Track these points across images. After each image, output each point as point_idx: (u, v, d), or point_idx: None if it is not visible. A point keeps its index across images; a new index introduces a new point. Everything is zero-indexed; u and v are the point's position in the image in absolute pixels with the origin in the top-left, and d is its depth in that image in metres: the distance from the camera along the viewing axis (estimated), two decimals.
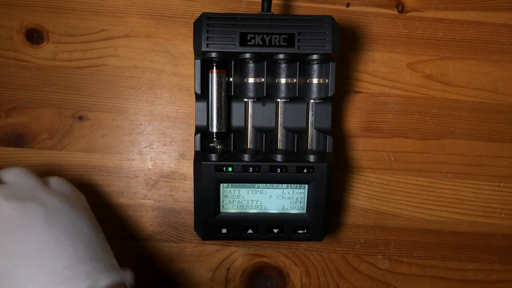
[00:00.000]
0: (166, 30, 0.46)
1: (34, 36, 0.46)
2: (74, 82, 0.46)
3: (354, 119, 0.47)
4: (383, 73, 0.47)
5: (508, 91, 0.48)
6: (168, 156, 0.47)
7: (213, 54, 0.38)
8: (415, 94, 0.47)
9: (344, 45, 0.46)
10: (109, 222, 0.47)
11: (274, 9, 0.46)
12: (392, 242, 0.49)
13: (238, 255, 0.48)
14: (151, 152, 0.47)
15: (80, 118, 0.46)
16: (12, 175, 0.37)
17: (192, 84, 0.46)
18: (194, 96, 0.45)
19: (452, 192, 0.48)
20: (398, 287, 0.49)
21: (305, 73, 0.41)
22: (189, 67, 0.46)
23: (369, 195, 0.48)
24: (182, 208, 0.47)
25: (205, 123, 0.42)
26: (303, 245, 0.48)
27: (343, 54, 0.46)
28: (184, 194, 0.47)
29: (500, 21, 0.47)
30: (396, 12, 0.47)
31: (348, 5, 0.46)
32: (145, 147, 0.47)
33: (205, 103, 0.42)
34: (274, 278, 0.48)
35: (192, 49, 0.46)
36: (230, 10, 0.46)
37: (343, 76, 0.47)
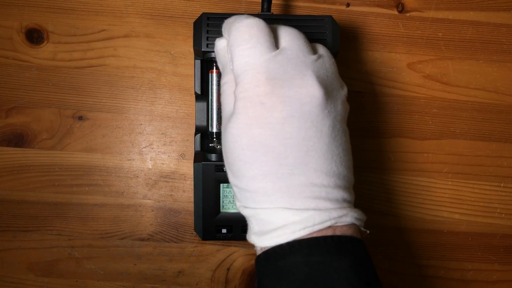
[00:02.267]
0: (166, 30, 0.46)
1: (34, 36, 0.46)
2: (74, 82, 0.46)
3: (354, 119, 0.47)
4: (383, 73, 0.47)
5: (508, 91, 0.48)
6: (168, 156, 0.47)
7: (213, 54, 0.38)
8: (415, 94, 0.47)
9: (344, 45, 0.46)
10: (109, 222, 0.47)
11: (274, 9, 0.46)
12: (392, 242, 0.49)
13: (238, 255, 0.48)
14: (151, 152, 0.47)
15: (80, 118, 0.46)
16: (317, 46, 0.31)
17: (192, 84, 0.46)
18: (194, 96, 0.45)
19: (452, 192, 0.48)
20: (398, 287, 0.49)
21: None
22: (189, 67, 0.46)
23: (369, 195, 0.48)
24: (182, 208, 0.47)
25: (205, 123, 0.42)
26: None
27: (343, 54, 0.46)
28: (184, 194, 0.47)
29: (500, 21, 0.47)
30: (396, 12, 0.47)
31: (348, 5, 0.46)
32: (145, 147, 0.47)
33: (205, 103, 0.42)
34: None
35: (192, 49, 0.46)
36: (230, 10, 0.46)
37: (343, 76, 0.46)
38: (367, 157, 0.47)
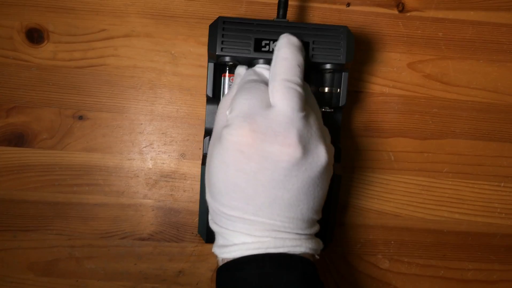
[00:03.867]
0: (166, 30, 0.46)
1: (34, 35, 0.46)
2: (74, 82, 0.46)
3: (354, 119, 0.47)
4: (383, 73, 0.47)
5: (508, 91, 0.48)
6: (169, 155, 0.47)
7: (227, 59, 0.38)
8: (415, 94, 0.47)
9: None
10: (109, 221, 0.47)
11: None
12: (392, 242, 0.49)
13: None
14: (152, 151, 0.47)
15: (80, 118, 0.46)
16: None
17: (192, 83, 0.46)
18: (194, 95, 0.45)
19: (452, 192, 0.48)
20: (398, 287, 0.49)
21: (317, 82, 0.41)
22: (190, 67, 0.46)
23: (369, 195, 0.48)
24: (183, 208, 0.47)
25: None
26: None
27: None
28: (184, 193, 0.47)
29: (500, 21, 0.47)
30: (396, 12, 0.47)
31: (348, 5, 0.47)
32: (145, 147, 0.47)
33: (216, 106, 0.41)
34: None
35: (192, 49, 0.46)
36: (230, 10, 0.46)
37: None
38: (367, 157, 0.47)
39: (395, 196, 0.48)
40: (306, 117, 0.31)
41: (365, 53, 0.47)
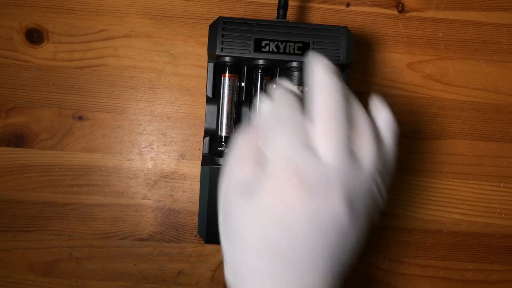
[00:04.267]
0: (166, 30, 0.46)
1: (34, 36, 0.46)
2: (74, 82, 0.46)
3: None
4: (383, 73, 0.47)
5: (508, 91, 0.48)
6: (168, 156, 0.47)
7: (227, 59, 0.38)
8: (415, 94, 0.47)
9: None
10: (109, 222, 0.47)
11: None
12: (392, 242, 0.49)
13: None
14: (151, 152, 0.47)
15: (80, 118, 0.46)
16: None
17: (192, 84, 0.46)
18: (194, 96, 0.45)
19: (452, 192, 0.48)
20: (398, 287, 0.49)
21: None
22: (189, 67, 0.46)
23: None
24: (182, 208, 0.47)
25: (214, 127, 0.42)
26: None
27: None
28: (184, 194, 0.47)
29: (500, 21, 0.47)
30: (396, 12, 0.47)
31: (348, 5, 0.46)
32: (145, 147, 0.47)
33: (215, 107, 0.41)
34: None
35: (192, 49, 0.46)
36: (229, 10, 0.46)
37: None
38: None
39: (395, 196, 0.48)
40: (355, 164, 0.27)
41: (365, 53, 0.47)
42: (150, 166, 0.47)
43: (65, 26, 0.46)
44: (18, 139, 0.46)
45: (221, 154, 0.41)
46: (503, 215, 0.49)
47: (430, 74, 0.47)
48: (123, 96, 0.46)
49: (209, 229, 0.41)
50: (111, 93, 0.46)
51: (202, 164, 0.40)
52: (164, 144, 0.47)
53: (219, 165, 0.40)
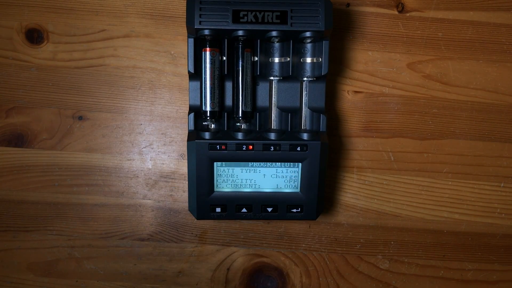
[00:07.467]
0: (166, 30, 0.46)
1: (34, 36, 0.46)
2: (74, 82, 0.46)
3: (354, 119, 0.47)
4: (383, 73, 0.47)
5: (508, 91, 0.48)
6: (168, 156, 0.47)
7: (206, 32, 0.38)
8: (415, 94, 0.47)
9: (344, 45, 0.46)
10: (109, 222, 0.47)
11: None
12: (392, 242, 0.49)
13: (238, 255, 0.48)
14: (151, 152, 0.47)
15: (80, 118, 0.46)
16: None
17: None
18: None
19: (452, 192, 0.48)
20: (398, 287, 0.49)
21: (299, 52, 0.41)
22: None
23: (369, 195, 0.48)
24: (182, 208, 0.47)
25: (198, 102, 0.42)
26: (303, 245, 0.48)
27: (342, 54, 0.46)
28: (184, 194, 0.47)
29: (500, 21, 0.47)
30: (396, 12, 0.47)
31: (348, 5, 0.46)
32: (145, 147, 0.47)
33: (198, 82, 0.41)
34: (274, 278, 0.48)
35: None
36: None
37: (343, 75, 0.47)
38: (367, 157, 0.47)
39: (395, 196, 0.48)
40: None
41: (365, 53, 0.47)
42: (150, 166, 0.47)
43: (65, 26, 0.46)
44: (18, 139, 0.46)
45: (206, 129, 0.41)
46: (503, 215, 0.49)
47: (430, 74, 0.47)
48: (123, 96, 0.46)
49: (199, 204, 0.41)
50: (111, 93, 0.46)
51: (188, 140, 0.40)
52: (164, 144, 0.47)
53: (205, 139, 0.39)
